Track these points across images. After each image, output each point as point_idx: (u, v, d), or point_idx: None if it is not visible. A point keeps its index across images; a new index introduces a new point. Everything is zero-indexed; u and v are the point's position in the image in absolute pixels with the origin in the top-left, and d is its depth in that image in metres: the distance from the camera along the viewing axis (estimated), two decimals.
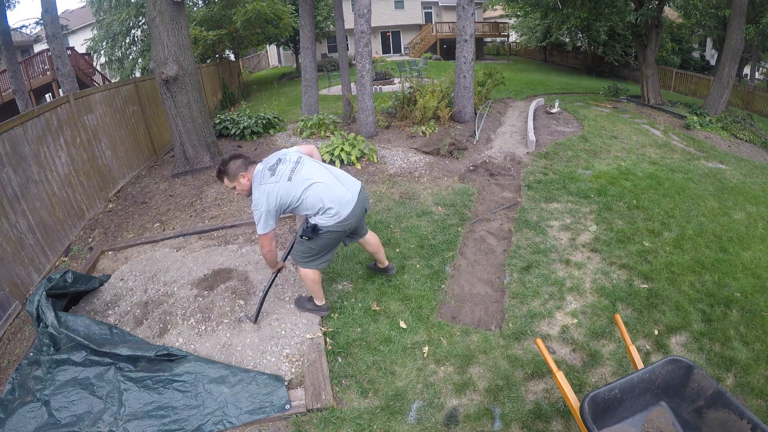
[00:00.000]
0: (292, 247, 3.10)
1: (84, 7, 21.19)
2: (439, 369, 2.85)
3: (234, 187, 2.82)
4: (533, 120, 8.57)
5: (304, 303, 3.29)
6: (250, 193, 2.79)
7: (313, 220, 2.80)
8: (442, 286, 3.65)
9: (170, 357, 2.73)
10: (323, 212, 2.74)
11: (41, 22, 11.06)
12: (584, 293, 3.51)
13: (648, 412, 2.12)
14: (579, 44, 23.75)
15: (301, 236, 2.86)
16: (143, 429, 2.44)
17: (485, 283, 3.75)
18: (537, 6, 14.63)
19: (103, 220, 5.21)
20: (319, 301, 3.25)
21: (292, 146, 3.23)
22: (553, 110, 9.51)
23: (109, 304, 3.50)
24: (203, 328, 3.14)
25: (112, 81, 17.44)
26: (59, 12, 9.43)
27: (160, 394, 2.59)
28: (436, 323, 3.22)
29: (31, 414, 2.53)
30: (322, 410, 2.54)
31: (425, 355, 2.94)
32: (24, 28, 14.29)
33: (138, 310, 3.36)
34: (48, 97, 17.13)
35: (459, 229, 4.51)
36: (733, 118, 10.33)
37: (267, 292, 3.18)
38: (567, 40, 22.12)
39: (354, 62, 7.47)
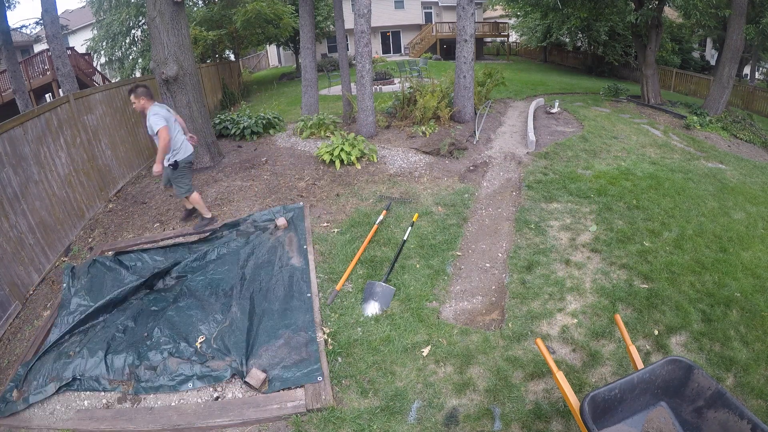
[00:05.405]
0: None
1: (84, 7, 21.11)
2: (439, 369, 2.85)
3: (134, 103, 4.10)
4: (533, 120, 8.57)
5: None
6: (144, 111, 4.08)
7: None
8: (443, 286, 3.65)
9: None
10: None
11: (41, 22, 11.05)
12: (584, 293, 3.51)
13: (648, 412, 2.12)
14: (579, 44, 23.70)
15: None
16: None
17: (485, 282, 3.74)
18: (537, 6, 14.59)
19: (103, 220, 5.21)
20: (207, 214, 4.62)
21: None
22: (553, 110, 9.51)
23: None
24: None
25: (112, 81, 17.43)
26: (59, 12, 9.42)
27: None
28: (436, 323, 3.22)
29: None
30: (322, 410, 2.54)
31: (425, 355, 2.95)
32: (24, 28, 14.26)
33: None
34: (48, 97, 17.10)
35: (459, 228, 4.50)
36: (733, 118, 10.31)
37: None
38: (567, 40, 22.08)
39: (354, 62, 7.46)
